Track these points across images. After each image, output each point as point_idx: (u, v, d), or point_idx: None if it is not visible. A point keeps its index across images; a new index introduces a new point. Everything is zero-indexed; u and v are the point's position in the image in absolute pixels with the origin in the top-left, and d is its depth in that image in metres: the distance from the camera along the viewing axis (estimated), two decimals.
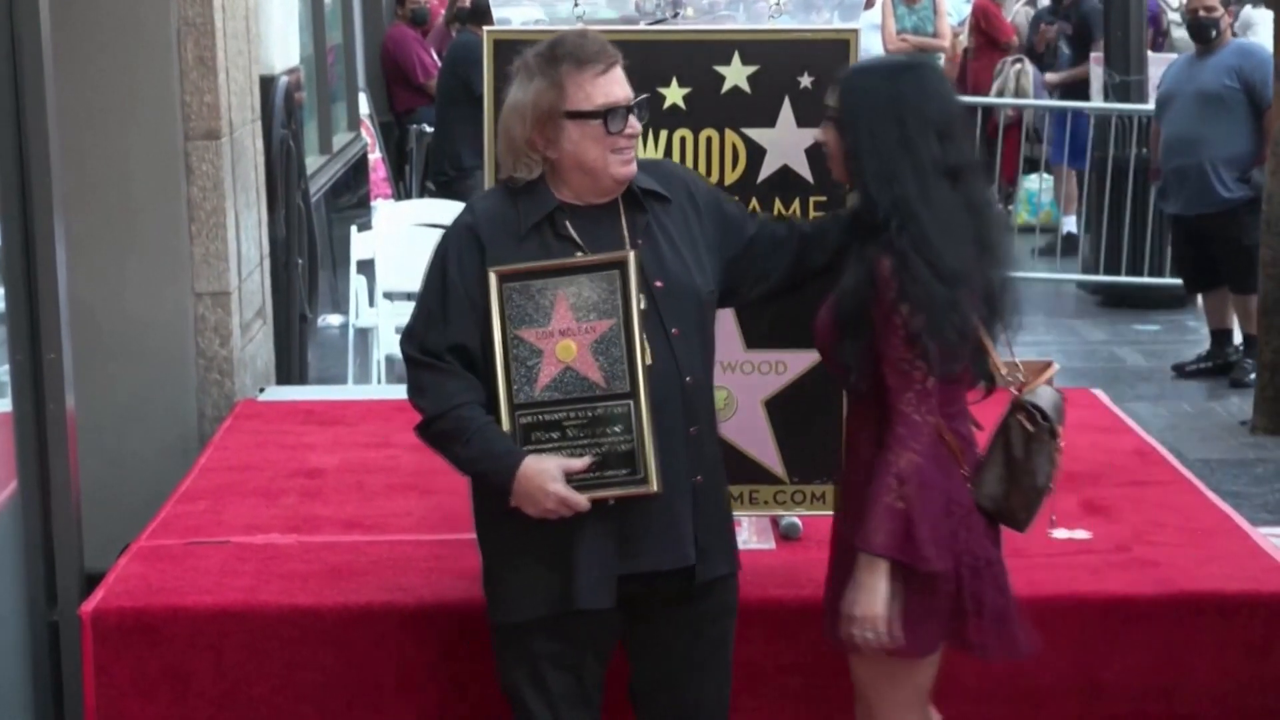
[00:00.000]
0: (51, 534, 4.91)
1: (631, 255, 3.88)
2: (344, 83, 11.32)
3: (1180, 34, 13.28)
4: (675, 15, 4.90)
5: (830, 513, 4.29)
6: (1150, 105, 11.26)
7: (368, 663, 4.57)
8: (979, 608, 3.90)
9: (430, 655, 4.57)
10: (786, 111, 4.65)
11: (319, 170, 9.43)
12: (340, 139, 10.75)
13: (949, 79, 14.46)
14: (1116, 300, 11.96)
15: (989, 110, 13.42)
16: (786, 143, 4.63)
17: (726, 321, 4.51)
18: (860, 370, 3.87)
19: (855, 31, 4.71)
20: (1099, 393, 6.69)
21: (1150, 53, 12.58)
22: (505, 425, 3.87)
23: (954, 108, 4.04)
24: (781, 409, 4.79)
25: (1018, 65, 13.84)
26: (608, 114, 3.87)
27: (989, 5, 15.00)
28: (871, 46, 12.88)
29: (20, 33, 4.76)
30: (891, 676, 3.98)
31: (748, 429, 4.77)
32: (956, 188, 3.87)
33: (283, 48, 8.16)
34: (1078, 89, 13.46)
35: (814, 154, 4.51)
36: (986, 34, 14.85)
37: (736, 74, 4.65)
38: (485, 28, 4.73)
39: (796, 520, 4.94)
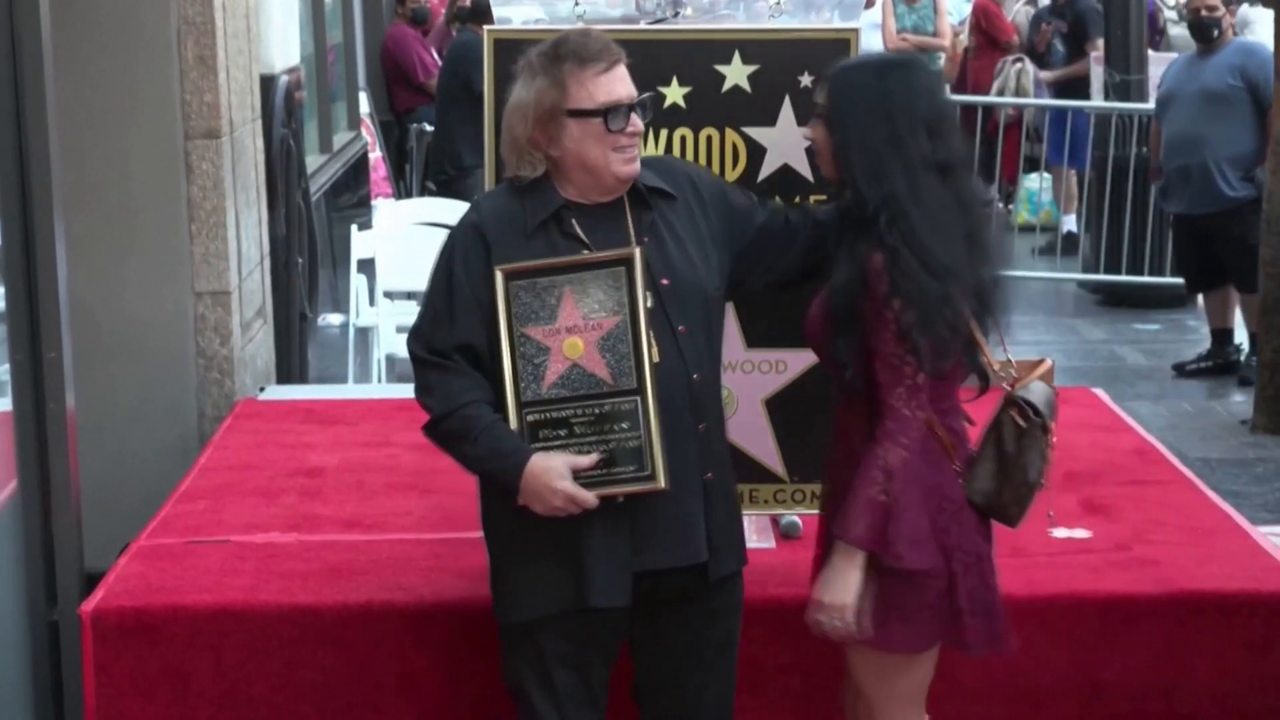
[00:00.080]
0: (51, 534, 4.90)
1: (637, 252, 3.88)
2: (344, 82, 11.33)
3: (1177, 32, 13.30)
4: (675, 14, 4.89)
5: None
6: (1150, 104, 11.25)
7: (368, 662, 4.56)
8: (972, 604, 3.90)
9: (430, 655, 4.57)
10: (787, 111, 4.65)
11: (319, 169, 9.44)
12: (340, 138, 10.76)
13: (948, 78, 14.55)
14: (1117, 299, 11.96)
15: (989, 110, 13.42)
16: (787, 142, 4.63)
17: (727, 321, 4.50)
18: (854, 366, 3.87)
19: (856, 31, 4.71)
20: (1099, 392, 6.68)
21: (1150, 52, 12.57)
22: (513, 423, 3.86)
23: (943, 104, 4.04)
24: (782, 408, 4.80)
25: (1018, 65, 13.82)
26: (608, 112, 3.87)
27: (989, 4, 14.99)
28: (872, 46, 12.80)
29: (20, 33, 4.76)
30: (889, 673, 3.98)
31: (748, 428, 4.77)
32: (946, 184, 3.87)
33: (283, 47, 8.16)
34: (1073, 86, 13.47)
35: (814, 153, 4.51)
36: (987, 33, 14.84)
37: (737, 73, 4.65)
38: (485, 27, 4.74)
39: (796, 519, 4.94)
